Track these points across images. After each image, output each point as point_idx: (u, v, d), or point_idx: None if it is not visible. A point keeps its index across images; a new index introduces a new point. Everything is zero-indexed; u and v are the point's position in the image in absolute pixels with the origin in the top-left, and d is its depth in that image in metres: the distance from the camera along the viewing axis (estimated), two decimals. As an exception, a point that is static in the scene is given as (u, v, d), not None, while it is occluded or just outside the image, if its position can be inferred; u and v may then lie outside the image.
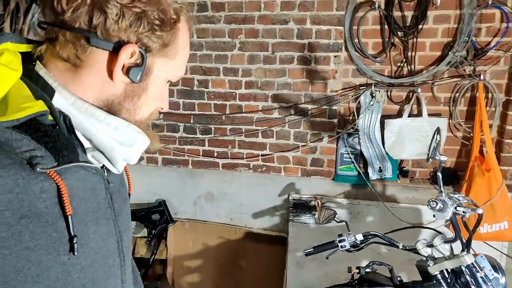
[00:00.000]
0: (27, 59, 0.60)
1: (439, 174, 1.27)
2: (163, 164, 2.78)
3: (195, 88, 2.62)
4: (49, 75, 0.59)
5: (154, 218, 2.75)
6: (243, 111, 2.57)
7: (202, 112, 2.64)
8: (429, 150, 1.20)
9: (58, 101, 0.58)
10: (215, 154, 2.68)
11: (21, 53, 0.60)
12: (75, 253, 0.55)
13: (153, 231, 2.68)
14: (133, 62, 0.59)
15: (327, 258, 1.73)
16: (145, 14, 0.58)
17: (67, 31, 0.57)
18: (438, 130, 1.16)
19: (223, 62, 2.53)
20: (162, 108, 0.69)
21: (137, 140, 0.64)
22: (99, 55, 0.58)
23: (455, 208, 1.16)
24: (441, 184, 1.26)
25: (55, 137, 0.55)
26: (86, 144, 0.61)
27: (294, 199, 2.54)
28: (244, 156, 2.63)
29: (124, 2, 0.56)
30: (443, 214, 1.16)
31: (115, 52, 0.58)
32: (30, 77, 0.58)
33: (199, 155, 2.71)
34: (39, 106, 0.53)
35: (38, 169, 0.51)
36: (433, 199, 1.14)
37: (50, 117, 0.56)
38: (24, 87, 0.56)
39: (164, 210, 2.73)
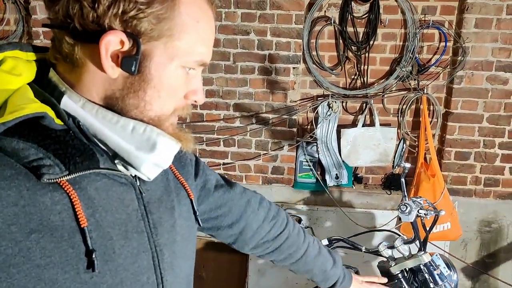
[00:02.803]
0: (45, 67, 0.56)
1: (403, 180, 1.37)
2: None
3: (154, 96, 2.56)
4: (59, 79, 0.55)
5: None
6: (205, 119, 2.56)
7: (161, 121, 2.58)
8: (394, 158, 1.30)
9: (67, 105, 0.53)
10: (175, 163, 2.63)
11: (40, 61, 0.57)
12: (95, 270, 0.49)
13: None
14: (126, 51, 0.52)
15: (294, 264, 1.77)
16: None
17: (54, 28, 0.53)
18: (403, 140, 1.27)
19: (184, 70, 2.51)
20: (195, 101, 0.60)
21: (159, 143, 0.55)
22: (88, 49, 0.52)
23: (418, 211, 1.27)
24: (405, 190, 1.37)
25: (67, 143, 0.50)
26: (111, 150, 0.56)
27: (255, 207, 2.57)
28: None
29: None
30: (408, 217, 1.27)
31: (98, 43, 0.51)
32: (41, 83, 0.54)
33: (158, 165, 2.64)
34: (33, 108, 0.48)
35: (45, 179, 0.47)
36: (403, 203, 1.24)
37: (59, 122, 0.52)
38: (28, 92, 0.52)
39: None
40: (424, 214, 1.25)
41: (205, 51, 0.58)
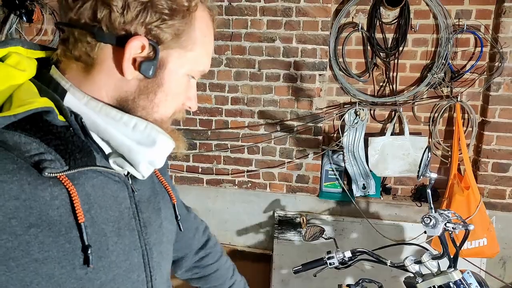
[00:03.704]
0: (44, 65, 0.58)
1: (429, 191, 1.30)
2: (145, 180, 2.72)
3: (180, 103, 2.60)
4: (62, 77, 0.56)
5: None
6: (229, 126, 2.57)
7: (187, 127, 2.62)
8: (419, 168, 1.24)
9: (70, 102, 0.55)
10: (200, 169, 2.65)
11: (39, 59, 0.58)
12: (90, 265, 0.50)
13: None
14: (145, 56, 0.56)
15: (315, 276, 1.72)
16: (152, 3, 0.54)
17: (74, 28, 0.54)
18: (428, 149, 1.20)
19: (210, 77, 2.54)
20: (190, 107, 0.65)
21: (158, 140, 0.58)
22: (108, 51, 0.55)
23: (445, 224, 1.19)
24: (431, 201, 1.29)
25: (68, 140, 0.52)
26: (106, 148, 0.57)
27: (279, 216, 2.53)
28: (229, 172, 2.62)
29: None
30: (434, 230, 1.19)
31: (122, 46, 0.54)
32: (42, 80, 0.56)
33: (183, 171, 2.67)
34: (42, 103, 0.50)
35: (46, 173, 0.47)
36: (427, 216, 1.17)
37: (62, 118, 0.53)
38: (32, 87, 0.53)
39: (146, 227, 2.65)
40: (452, 228, 1.17)
41: (207, 62, 0.64)
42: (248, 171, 2.59)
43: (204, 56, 0.62)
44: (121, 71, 0.55)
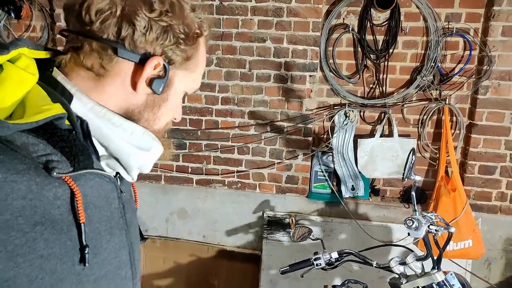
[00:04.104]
0: (44, 66, 0.59)
1: (413, 194, 1.31)
2: (134, 179, 2.70)
3: (170, 102, 2.58)
4: (67, 81, 0.59)
5: (123, 235, 2.65)
6: (219, 126, 2.57)
7: (177, 127, 2.61)
8: (404, 170, 1.24)
9: (76, 106, 0.58)
10: (189, 169, 2.65)
11: (37, 59, 0.59)
12: (86, 264, 0.53)
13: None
14: (156, 74, 0.61)
15: (302, 277, 1.73)
16: (171, 27, 0.59)
17: (94, 40, 0.57)
18: (413, 151, 1.21)
19: (200, 77, 2.53)
20: (175, 119, 0.70)
21: (153, 147, 0.64)
22: (125, 66, 0.59)
23: (428, 226, 1.20)
24: (415, 203, 1.30)
25: (71, 142, 0.54)
26: (101, 151, 0.61)
27: (268, 216, 2.54)
28: (219, 172, 2.61)
29: (152, 15, 0.57)
30: (417, 232, 1.20)
31: (141, 64, 0.59)
32: (48, 82, 0.57)
33: (173, 171, 2.66)
34: (57, 109, 0.53)
35: (55, 173, 0.50)
36: (410, 218, 1.18)
37: (66, 122, 0.56)
38: (42, 92, 0.55)
39: (134, 226, 2.64)
40: (435, 230, 1.18)
41: (200, 80, 0.71)
42: (238, 171, 2.59)
43: (200, 76, 0.69)
44: (134, 86, 0.60)
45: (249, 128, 2.54)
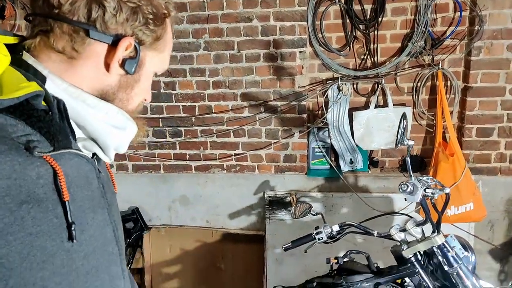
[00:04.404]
0: (12, 51, 0.59)
1: (408, 159, 1.30)
2: (133, 171, 2.71)
3: (162, 90, 2.57)
4: (39, 64, 0.59)
5: (128, 227, 2.67)
6: (213, 111, 2.55)
7: (171, 115, 2.59)
8: (397, 136, 1.23)
9: (50, 88, 0.58)
10: (187, 156, 2.64)
11: (5, 45, 0.58)
12: (74, 240, 0.54)
13: (128, 240, 2.61)
14: (128, 55, 0.62)
15: (306, 252, 1.74)
16: (140, 8, 0.61)
17: (64, 23, 0.58)
18: (404, 116, 1.20)
19: (189, 63, 2.50)
20: (145, 100, 0.71)
21: (128, 126, 0.66)
22: (97, 47, 0.60)
23: (424, 190, 1.20)
24: (410, 168, 1.30)
25: (49, 123, 0.55)
26: (78, 133, 0.62)
27: (269, 197, 2.54)
28: (217, 157, 2.61)
29: None
30: (414, 196, 1.20)
31: (113, 45, 0.60)
32: (19, 65, 0.58)
33: (171, 159, 2.66)
34: (36, 87, 0.54)
35: (36, 153, 0.51)
36: (404, 183, 1.17)
37: (43, 103, 0.56)
38: (16, 72, 0.56)
39: (138, 217, 2.65)
40: (432, 193, 1.18)
41: (168, 61, 0.72)
42: (235, 154, 2.59)
43: (168, 56, 0.71)
44: (107, 67, 0.61)
45: (243, 110, 2.52)
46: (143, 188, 2.72)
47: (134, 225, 2.66)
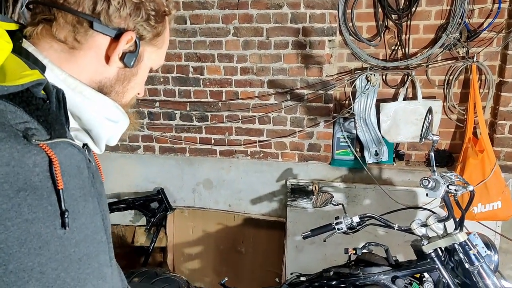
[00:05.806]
0: (12, 38, 0.60)
1: (432, 154, 1.28)
2: (160, 153, 2.79)
3: (190, 75, 2.61)
4: (39, 52, 0.60)
5: (153, 207, 2.77)
6: (239, 97, 2.58)
7: (198, 99, 2.64)
8: (422, 130, 1.22)
9: (49, 77, 0.59)
10: (213, 141, 2.70)
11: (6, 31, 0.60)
12: (67, 228, 0.55)
13: (152, 219, 2.71)
14: (127, 49, 0.64)
15: (325, 241, 1.76)
16: (143, 4, 0.63)
17: (69, 13, 0.59)
18: (430, 110, 1.18)
19: (218, 48, 2.52)
20: (139, 94, 0.73)
21: (121, 119, 0.68)
22: (99, 40, 0.62)
23: (447, 186, 1.18)
24: (434, 164, 1.28)
25: (46, 111, 0.56)
26: (72, 123, 0.63)
27: (292, 184, 2.57)
28: (242, 143, 2.65)
29: None
30: (436, 192, 1.19)
31: (115, 39, 0.62)
32: (19, 53, 0.58)
33: (197, 143, 2.72)
34: (38, 75, 0.55)
35: (34, 140, 0.52)
36: (425, 178, 1.16)
37: (42, 91, 0.57)
38: (18, 60, 0.57)
39: (163, 198, 2.75)
40: (455, 190, 1.16)
41: (164, 58, 0.75)
42: (259, 141, 2.62)
43: (165, 52, 0.73)
44: (107, 59, 0.63)
45: (269, 98, 2.53)
46: (169, 170, 2.80)
47: (159, 205, 2.76)
